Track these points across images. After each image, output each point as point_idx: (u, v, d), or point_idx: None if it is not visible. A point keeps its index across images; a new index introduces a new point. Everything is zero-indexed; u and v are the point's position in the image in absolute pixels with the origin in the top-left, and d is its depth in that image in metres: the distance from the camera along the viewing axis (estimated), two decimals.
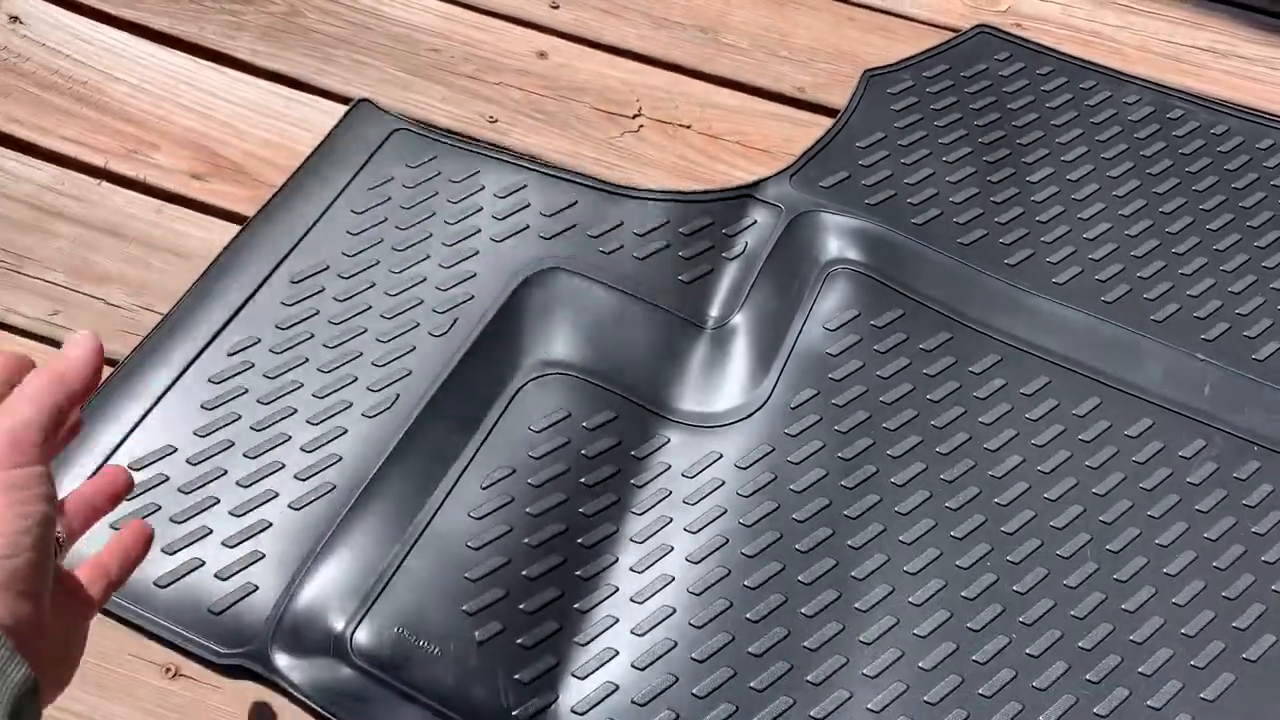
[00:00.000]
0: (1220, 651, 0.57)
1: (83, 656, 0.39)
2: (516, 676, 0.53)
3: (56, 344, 0.63)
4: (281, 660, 0.53)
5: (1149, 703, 0.56)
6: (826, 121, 0.77)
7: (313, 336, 0.63)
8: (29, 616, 0.34)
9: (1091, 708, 0.55)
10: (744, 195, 0.72)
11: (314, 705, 0.52)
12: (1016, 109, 0.79)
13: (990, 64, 0.81)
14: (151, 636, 0.54)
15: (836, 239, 0.70)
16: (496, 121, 0.75)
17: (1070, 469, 0.63)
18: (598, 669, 0.54)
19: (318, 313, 0.64)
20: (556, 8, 0.82)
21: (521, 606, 0.55)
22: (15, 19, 0.76)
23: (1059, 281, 0.70)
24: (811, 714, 0.54)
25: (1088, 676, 0.56)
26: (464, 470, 0.58)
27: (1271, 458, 0.64)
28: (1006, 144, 0.76)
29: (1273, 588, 0.60)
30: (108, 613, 0.54)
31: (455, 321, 0.64)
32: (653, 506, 0.59)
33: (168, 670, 0.53)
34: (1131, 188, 0.75)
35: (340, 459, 0.59)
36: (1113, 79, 0.81)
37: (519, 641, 0.54)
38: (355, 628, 0.53)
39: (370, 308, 0.64)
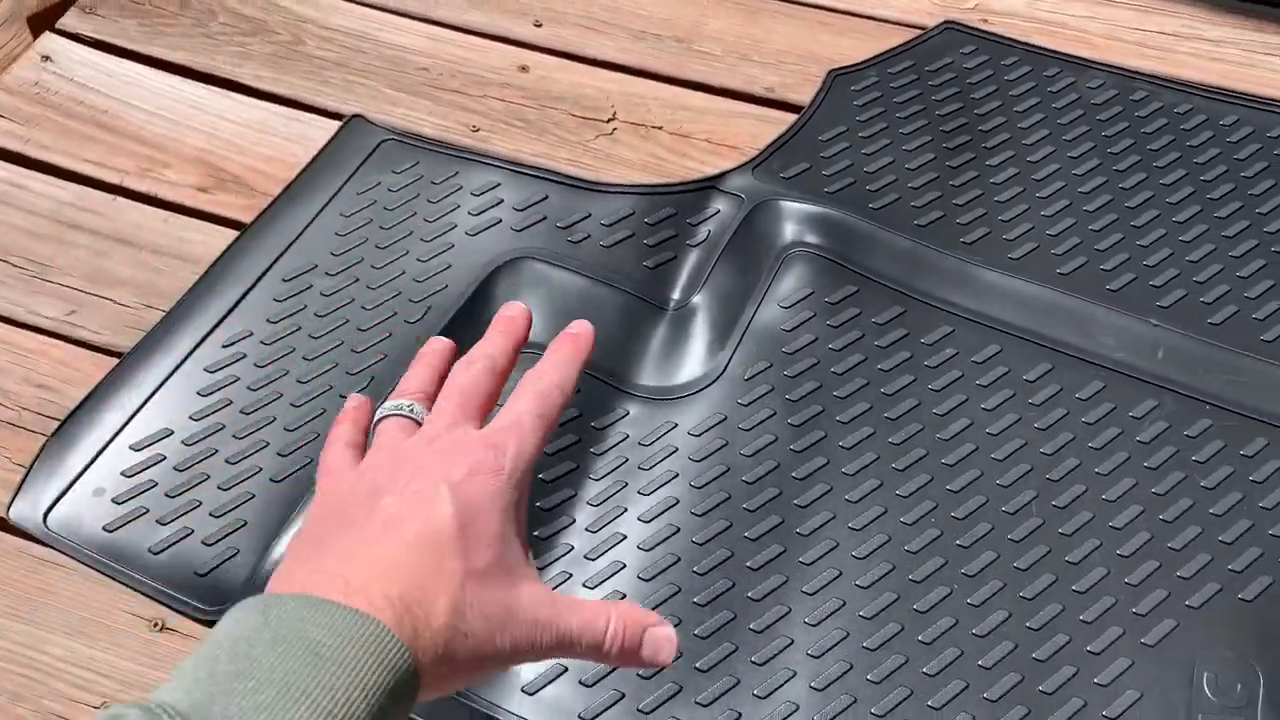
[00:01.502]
0: (1163, 599, 0.59)
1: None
2: None
3: (74, 340, 0.69)
4: None
5: (1088, 648, 0.57)
6: (794, 119, 0.81)
7: (300, 329, 0.68)
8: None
9: (1030, 653, 0.57)
10: (707, 186, 0.76)
11: None
12: (979, 98, 0.81)
13: (955, 58, 0.84)
14: (142, 593, 0.59)
15: (794, 224, 0.73)
16: (479, 130, 0.80)
17: (1018, 430, 0.65)
18: None
19: (305, 307, 0.69)
20: (540, 26, 0.88)
21: None
22: (46, 58, 0.84)
23: (1014, 256, 0.72)
24: (753, 659, 0.57)
25: (1028, 624, 0.58)
26: None
27: (1222, 415, 0.65)
28: (968, 131, 0.79)
29: (1220, 538, 0.61)
30: (102, 572, 0.60)
31: (429, 309, 0.69)
32: (610, 472, 0.63)
33: (155, 624, 0.58)
34: (1091, 166, 0.77)
35: (318, 435, 0.64)
36: (1077, 66, 0.83)
37: None
38: None
39: (353, 301, 0.69)
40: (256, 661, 0.32)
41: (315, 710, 0.32)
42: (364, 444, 0.45)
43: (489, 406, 0.43)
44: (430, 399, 0.44)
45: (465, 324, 0.68)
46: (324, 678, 0.32)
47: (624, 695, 0.55)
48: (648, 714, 0.55)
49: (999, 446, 0.64)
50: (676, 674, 0.56)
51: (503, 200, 0.74)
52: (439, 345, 0.47)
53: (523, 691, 0.56)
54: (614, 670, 0.56)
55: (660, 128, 0.81)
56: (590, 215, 0.74)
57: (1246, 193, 0.76)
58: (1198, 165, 0.77)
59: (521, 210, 0.74)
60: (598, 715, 0.55)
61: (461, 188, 0.75)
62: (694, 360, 0.68)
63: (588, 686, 0.56)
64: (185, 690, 0.32)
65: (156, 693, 0.32)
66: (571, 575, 0.59)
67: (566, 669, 0.56)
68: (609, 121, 0.81)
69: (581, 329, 0.45)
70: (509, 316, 0.46)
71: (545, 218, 0.73)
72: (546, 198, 0.74)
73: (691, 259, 0.72)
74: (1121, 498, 0.62)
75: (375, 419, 0.44)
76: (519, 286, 0.70)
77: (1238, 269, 0.72)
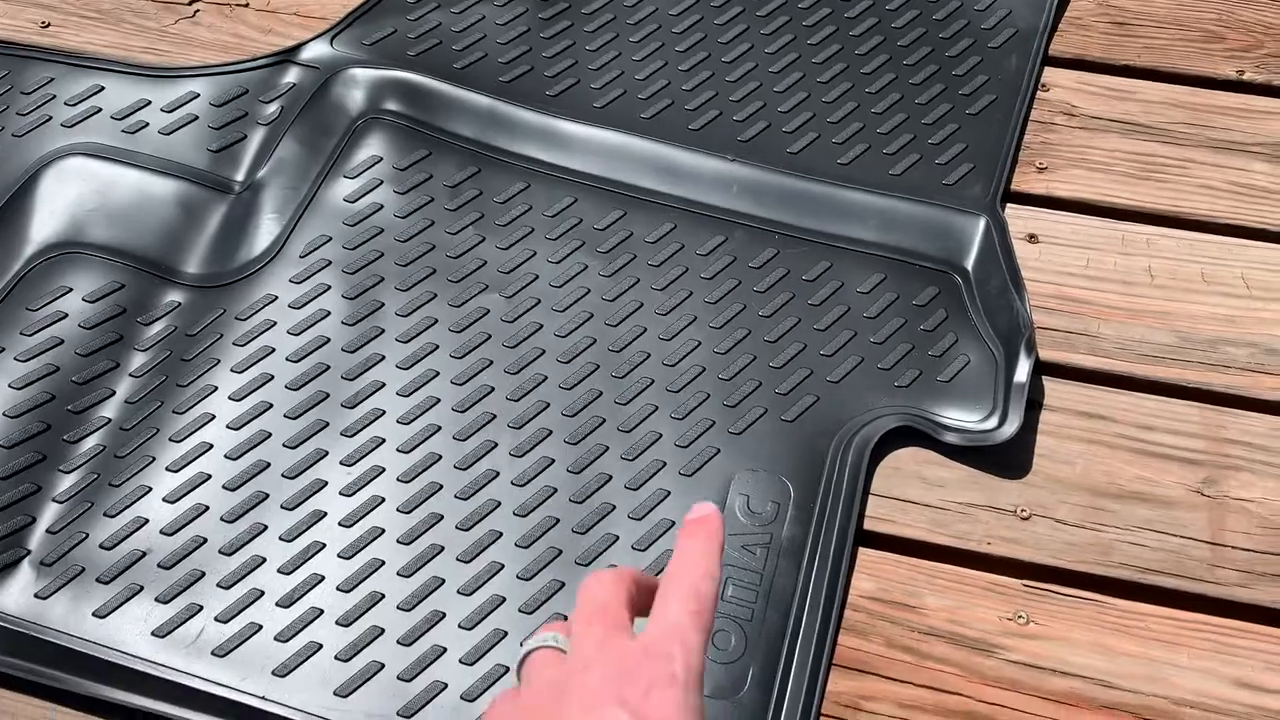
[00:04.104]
0: (707, 428, 0.58)
1: None
2: None
3: None
4: None
5: (626, 483, 0.57)
6: None
7: None
8: None
9: (568, 495, 0.56)
10: (281, 61, 0.72)
11: None
12: None
13: None
14: None
15: (370, 92, 0.70)
16: (49, 25, 0.75)
17: (585, 280, 0.63)
18: (68, 524, 0.55)
19: None
20: None
21: None
22: None
23: (599, 106, 0.70)
24: (280, 536, 0.55)
25: (568, 467, 0.57)
26: None
27: (787, 242, 0.65)
28: None
29: (770, 364, 0.61)
30: None
31: None
32: (151, 369, 0.60)
33: None
34: (688, 5, 0.75)
35: None
36: None
37: None
38: None
39: None
40: None
41: None
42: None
43: (634, 608, 0.39)
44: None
45: (3, 229, 0.64)
46: None
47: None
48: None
49: (561, 298, 0.63)
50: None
51: (54, 96, 0.70)
52: None
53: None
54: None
55: (246, 5, 0.77)
56: (150, 103, 0.70)
57: (842, 16, 0.75)
58: None
59: (73, 105, 0.69)
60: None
61: (12, 87, 0.70)
62: (252, 243, 0.65)
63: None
64: None
65: None
66: (99, 475, 0.57)
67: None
68: (191, 4, 0.77)
69: (706, 511, 0.40)
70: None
71: (100, 110, 0.69)
72: (103, 89, 0.70)
73: (259, 138, 0.69)
74: (681, 332, 0.62)
75: (519, 659, 0.39)
76: (64, 186, 0.66)
77: (823, 94, 0.71)
